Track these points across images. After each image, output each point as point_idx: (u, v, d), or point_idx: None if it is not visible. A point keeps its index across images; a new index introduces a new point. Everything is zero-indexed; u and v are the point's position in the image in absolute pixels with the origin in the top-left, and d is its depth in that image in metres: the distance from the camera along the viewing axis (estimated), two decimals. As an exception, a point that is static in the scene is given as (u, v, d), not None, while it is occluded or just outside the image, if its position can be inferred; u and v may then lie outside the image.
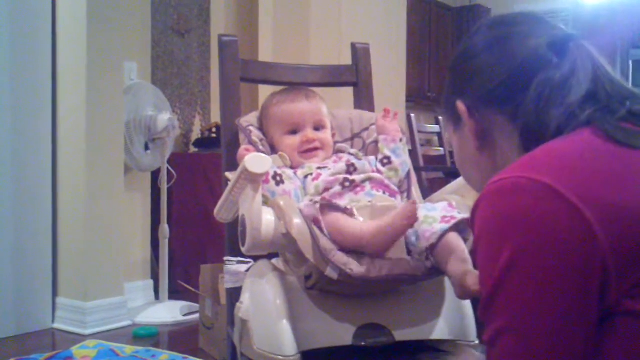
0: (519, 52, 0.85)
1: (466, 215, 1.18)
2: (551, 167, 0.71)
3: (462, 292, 1.07)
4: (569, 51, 0.82)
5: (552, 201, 0.68)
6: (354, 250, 1.21)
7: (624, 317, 0.67)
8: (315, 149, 1.50)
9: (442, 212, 1.23)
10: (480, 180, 0.94)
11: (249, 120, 1.57)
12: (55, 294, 2.95)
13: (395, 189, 1.45)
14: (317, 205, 1.23)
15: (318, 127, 1.52)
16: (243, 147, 1.44)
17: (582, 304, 0.67)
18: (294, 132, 1.51)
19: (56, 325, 2.91)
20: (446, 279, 1.33)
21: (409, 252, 1.25)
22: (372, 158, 1.52)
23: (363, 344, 1.26)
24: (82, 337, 2.75)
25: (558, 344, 0.68)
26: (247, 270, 1.43)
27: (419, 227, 1.21)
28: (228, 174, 1.41)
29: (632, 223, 0.66)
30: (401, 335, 1.29)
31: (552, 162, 0.72)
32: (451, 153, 4.29)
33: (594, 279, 0.66)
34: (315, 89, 1.63)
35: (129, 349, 2.50)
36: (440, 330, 1.31)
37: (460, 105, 0.91)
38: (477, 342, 1.33)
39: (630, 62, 6.11)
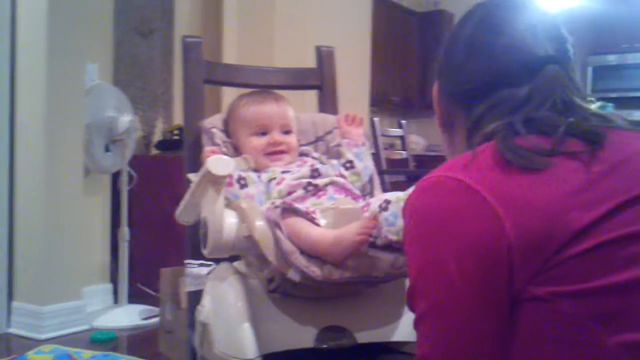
0: (496, 65, 0.88)
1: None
2: (469, 168, 0.79)
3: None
4: (540, 74, 0.86)
5: (467, 196, 0.76)
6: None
7: (528, 303, 0.74)
8: (282, 152, 1.50)
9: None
10: (445, 150, 1.01)
11: (212, 122, 1.56)
12: (10, 297, 2.89)
13: (358, 192, 1.46)
14: (278, 210, 1.23)
15: (285, 131, 1.52)
16: (208, 148, 1.43)
17: (492, 289, 0.74)
18: (261, 133, 1.51)
19: (11, 330, 2.84)
20: (407, 281, 1.34)
21: (373, 245, 1.24)
22: (335, 162, 1.53)
23: (325, 346, 1.26)
24: (38, 342, 2.69)
25: (471, 327, 0.75)
26: (209, 273, 1.42)
27: (394, 207, 1.22)
28: (190, 176, 1.40)
29: (535, 218, 0.73)
30: (363, 337, 1.29)
31: (471, 164, 0.79)
32: (413, 156, 4.33)
33: (501, 267, 0.73)
34: (281, 92, 1.62)
35: (86, 354, 2.46)
36: (401, 332, 1.32)
37: (435, 89, 0.97)
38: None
39: (590, 69, 6.24)
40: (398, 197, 1.24)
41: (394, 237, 1.22)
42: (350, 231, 1.18)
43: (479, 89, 0.89)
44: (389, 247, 1.24)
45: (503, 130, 0.82)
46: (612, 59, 6.31)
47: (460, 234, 0.75)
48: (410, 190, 1.19)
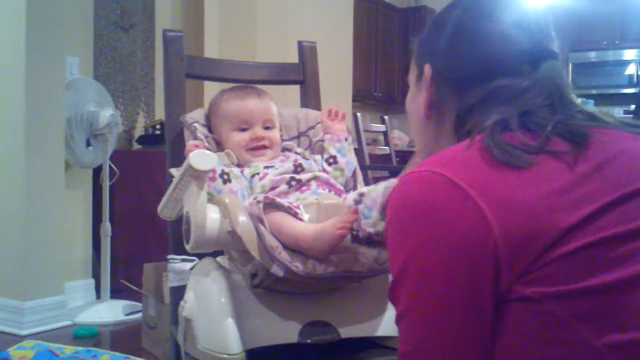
0: (493, 54, 0.86)
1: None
2: (454, 164, 0.77)
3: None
4: (540, 67, 0.84)
5: (451, 192, 0.74)
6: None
7: (516, 303, 0.73)
8: (264, 147, 1.50)
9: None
10: (419, 141, 0.99)
11: (194, 116, 1.55)
12: (-9, 293, 2.87)
13: (341, 187, 1.46)
14: (261, 205, 1.23)
15: (267, 126, 1.52)
16: (192, 142, 1.42)
17: (476, 289, 0.73)
18: (243, 129, 1.50)
19: (-8, 326, 2.83)
20: (390, 276, 1.34)
21: (356, 239, 1.25)
22: (318, 157, 1.53)
23: (309, 341, 1.26)
24: (20, 338, 2.67)
25: (454, 327, 0.74)
26: (192, 269, 1.42)
27: (367, 199, 1.22)
28: (173, 171, 1.39)
29: (521, 216, 0.72)
30: (347, 332, 1.30)
31: (456, 160, 0.78)
32: (396, 152, 4.34)
33: (487, 266, 0.72)
34: (263, 87, 1.62)
35: (68, 350, 2.44)
36: (385, 327, 1.32)
37: (428, 71, 0.93)
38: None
39: (571, 65, 6.29)
40: (369, 189, 1.24)
41: (371, 230, 1.22)
42: (331, 226, 1.18)
43: (472, 75, 0.86)
44: (372, 241, 1.25)
45: (492, 123, 0.80)
46: (592, 55, 6.37)
47: (445, 231, 0.73)
48: (384, 183, 1.20)
